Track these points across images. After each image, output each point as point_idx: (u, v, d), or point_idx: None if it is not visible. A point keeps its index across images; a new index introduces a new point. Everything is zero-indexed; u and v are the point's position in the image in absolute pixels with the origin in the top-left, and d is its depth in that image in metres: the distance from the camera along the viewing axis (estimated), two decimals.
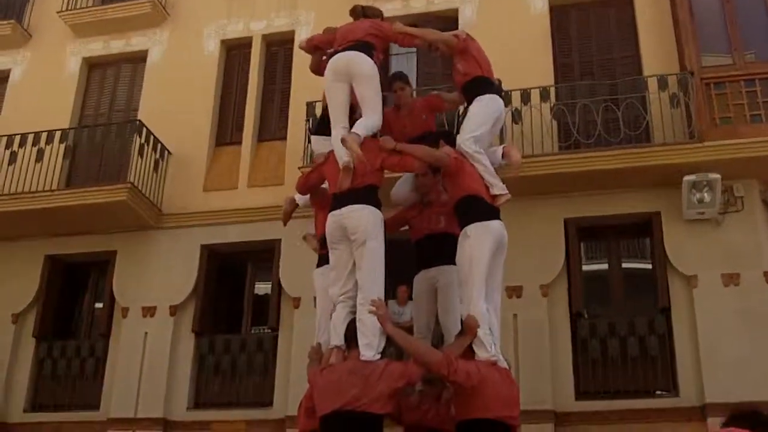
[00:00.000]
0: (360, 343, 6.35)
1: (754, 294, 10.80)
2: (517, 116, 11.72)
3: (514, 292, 11.00)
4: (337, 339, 6.59)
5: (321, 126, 8.16)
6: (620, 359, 11.11)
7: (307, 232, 8.48)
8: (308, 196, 8.10)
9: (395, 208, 8.16)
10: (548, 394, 10.78)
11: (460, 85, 7.77)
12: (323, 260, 7.55)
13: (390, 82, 8.23)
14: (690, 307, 10.96)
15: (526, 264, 10.89)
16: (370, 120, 7.24)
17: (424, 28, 8.50)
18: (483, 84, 7.55)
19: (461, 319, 6.73)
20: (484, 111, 7.38)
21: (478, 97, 7.46)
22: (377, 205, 6.98)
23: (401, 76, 8.17)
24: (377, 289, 6.67)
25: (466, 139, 7.22)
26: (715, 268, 10.97)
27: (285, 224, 8.63)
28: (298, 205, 8.33)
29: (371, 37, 7.55)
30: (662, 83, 11.48)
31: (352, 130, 7.11)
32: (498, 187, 7.15)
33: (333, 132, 7.36)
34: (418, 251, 7.72)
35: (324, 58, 7.96)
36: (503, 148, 7.88)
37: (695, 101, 11.29)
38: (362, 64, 7.34)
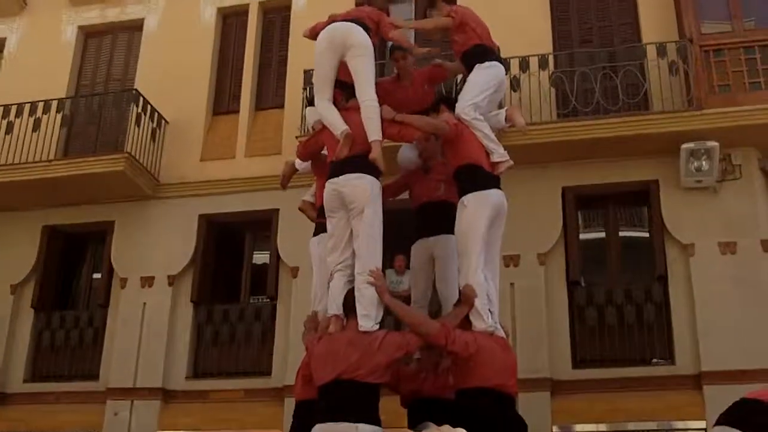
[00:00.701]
0: (358, 313, 6.35)
1: (750, 262, 10.81)
2: (515, 84, 11.66)
3: (511, 260, 11.01)
4: (335, 308, 6.59)
5: None
6: (617, 327, 11.15)
7: (303, 199, 8.38)
8: (309, 162, 8.05)
9: (394, 176, 8.12)
10: (545, 362, 10.83)
11: (459, 56, 7.73)
12: (320, 228, 7.52)
13: (391, 51, 8.17)
14: (687, 276, 10.98)
15: (524, 233, 10.88)
16: (369, 108, 7.13)
17: (420, 21, 8.43)
18: (482, 51, 7.51)
19: (459, 289, 6.74)
20: (483, 78, 7.34)
21: (478, 65, 7.42)
22: (376, 174, 6.94)
23: (401, 46, 8.11)
24: (375, 259, 6.67)
25: (464, 106, 7.18)
26: (713, 236, 10.97)
27: (284, 188, 8.58)
28: (297, 169, 8.28)
29: (370, 21, 7.49)
30: (661, 51, 11.42)
31: (371, 138, 6.95)
32: (498, 154, 7.12)
33: (317, 102, 7.32)
34: (417, 219, 7.71)
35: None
36: (506, 111, 7.83)
37: (694, 69, 11.23)
38: (359, 35, 7.23)
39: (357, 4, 12.57)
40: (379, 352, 6.09)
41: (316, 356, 6.38)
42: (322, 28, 7.73)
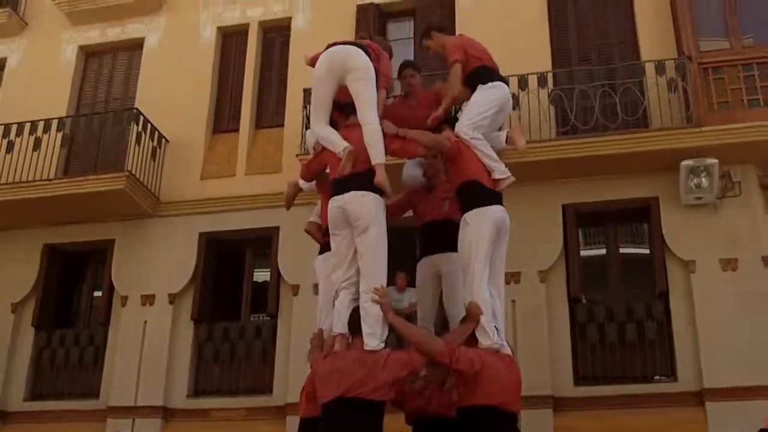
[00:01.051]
0: (364, 332, 6.35)
1: (752, 278, 10.80)
2: (514, 102, 11.65)
3: (512, 277, 10.98)
4: (341, 326, 6.59)
5: None
6: (618, 344, 11.12)
7: (309, 221, 8.33)
8: (314, 182, 8.04)
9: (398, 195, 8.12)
10: (547, 379, 10.81)
11: (463, 81, 7.71)
12: (325, 247, 7.52)
13: (400, 69, 8.16)
14: (688, 292, 10.97)
15: (524, 250, 10.86)
16: (372, 130, 7.06)
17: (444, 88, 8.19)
18: (484, 72, 7.53)
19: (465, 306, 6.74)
20: (484, 98, 7.36)
21: (480, 86, 7.45)
22: (380, 191, 6.95)
23: (412, 64, 8.11)
24: (380, 277, 6.67)
25: (463, 125, 7.22)
26: (713, 252, 10.98)
27: (288, 208, 8.52)
28: (301, 189, 8.26)
29: (371, 49, 7.48)
30: (660, 68, 11.47)
31: (374, 162, 6.92)
32: (499, 171, 7.14)
33: (315, 125, 7.32)
34: (421, 237, 7.72)
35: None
36: (507, 132, 7.85)
37: (693, 86, 11.27)
38: (359, 57, 7.19)
39: (356, 30, 12.65)
40: (384, 370, 6.09)
41: (321, 374, 6.37)
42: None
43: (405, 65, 8.04)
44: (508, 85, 7.96)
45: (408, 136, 7.11)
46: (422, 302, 7.67)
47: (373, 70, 7.19)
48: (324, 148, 7.35)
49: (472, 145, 7.12)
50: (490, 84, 7.43)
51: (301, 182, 8.20)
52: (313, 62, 7.84)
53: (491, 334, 6.45)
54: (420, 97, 7.98)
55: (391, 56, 7.88)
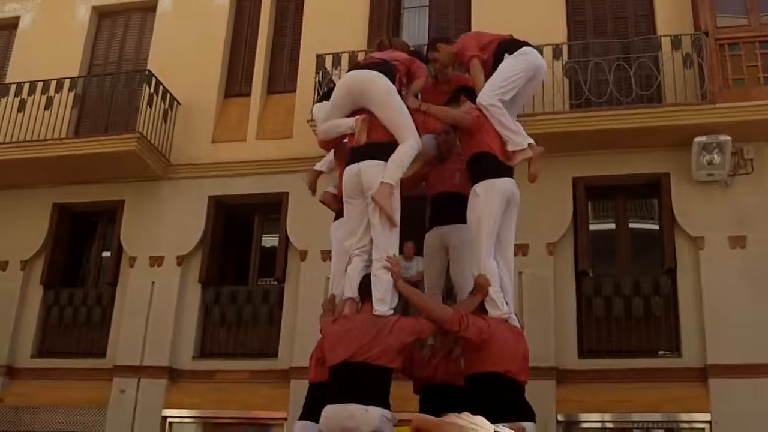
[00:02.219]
0: (374, 298, 6.37)
1: (760, 257, 10.81)
2: None
3: (520, 249, 10.95)
4: (351, 291, 6.60)
5: (327, 96, 8.01)
6: (624, 319, 11.16)
7: (326, 191, 8.25)
8: (332, 160, 7.94)
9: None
10: (551, 351, 10.86)
11: (488, 71, 7.48)
12: (341, 213, 7.49)
13: (428, 49, 7.94)
14: (696, 269, 10.99)
15: (533, 222, 10.85)
16: (405, 151, 6.76)
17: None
18: (510, 44, 7.35)
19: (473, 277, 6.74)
20: (510, 66, 7.15)
21: (506, 55, 7.25)
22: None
23: (431, 44, 7.91)
24: (392, 246, 6.67)
25: (485, 93, 7.04)
26: (723, 230, 10.98)
27: (314, 193, 8.28)
28: (321, 172, 8.15)
29: (401, 64, 7.21)
30: (676, 43, 11.38)
31: (384, 179, 6.63)
32: (513, 143, 6.99)
33: (323, 124, 7.26)
34: (432, 207, 7.69)
35: None
36: (530, 146, 7.31)
37: (708, 62, 11.20)
38: (377, 85, 6.87)
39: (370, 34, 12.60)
40: (390, 336, 6.11)
41: (329, 337, 6.41)
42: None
43: (433, 46, 7.79)
44: (540, 53, 7.75)
45: (429, 111, 7.06)
46: (429, 272, 7.66)
47: (394, 88, 6.91)
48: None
49: (491, 112, 7.00)
50: (517, 52, 7.26)
51: (319, 165, 8.12)
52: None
53: (500, 305, 6.46)
54: (451, 80, 7.79)
55: (408, 52, 7.66)
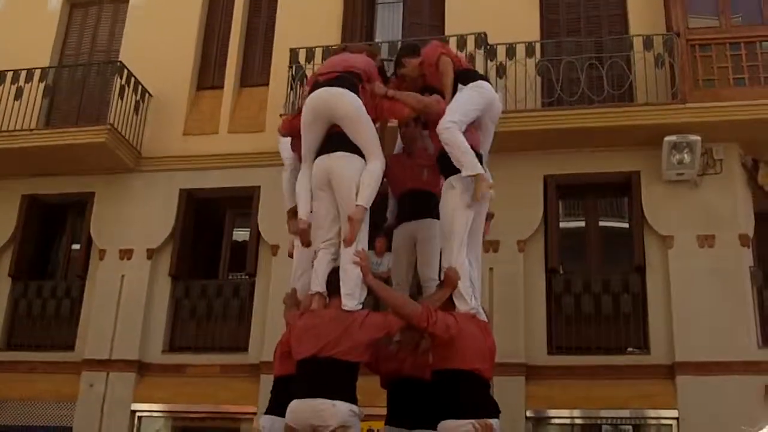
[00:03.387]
0: (342, 293, 6.33)
1: (728, 256, 10.93)
2: (501, 71, 11.70)
3: (490, 246, 11.03)
4: (318, 285, 6.56)
5: None
6: (594, 316, 11.24)
7: (299, 224, 7.28)
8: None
9: None
10: (521, 347, 10.92)
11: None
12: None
13: (395, 66, 7.75)
14: (665, 267, 11.09)
15: (504, 219, 10.77)
16: (375, 171, 6.61)
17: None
18: (464, 73, 7.19)
19: (440, 272, 6.72)
20: (467, 96, 6.98)
21: (461, 85, 7.09)
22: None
23: (403, 51, 7.71)
24: (361, 241, 6.64)
25: (445, 121, 6.84)
26: (692, 229, 11.09)
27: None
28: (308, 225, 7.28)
29: (363, 73, 6.98)
30: (648, 43, 11.47)
31: (359, 202, 6.44)
32: (469, 168, 6.60)
33: (303, 167, 6.98)
34: (400, 204, 7.65)
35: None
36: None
37: (680, 62, 11.31)
38: (345, 103, 6.64)
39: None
40: (360, 331, 6.09)
41: (296, 331, 6.37)
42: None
43: (402, 54, 7.63)
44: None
45: (397, 96, 7.01)
46: (397, 267, 7.62)
47: (363, 107, 6.68)
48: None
49: (443, 138, 6.61)
50: (472, 84, 6.96)
51: (289, 200, 7.53)
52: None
53: (468, 300, 6.46)
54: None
55: (376, 57, 7.53)
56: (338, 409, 5.91)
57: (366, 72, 7.03)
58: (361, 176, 6.57)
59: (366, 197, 6.52)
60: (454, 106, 6.81)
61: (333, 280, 6.43)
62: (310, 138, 6.82)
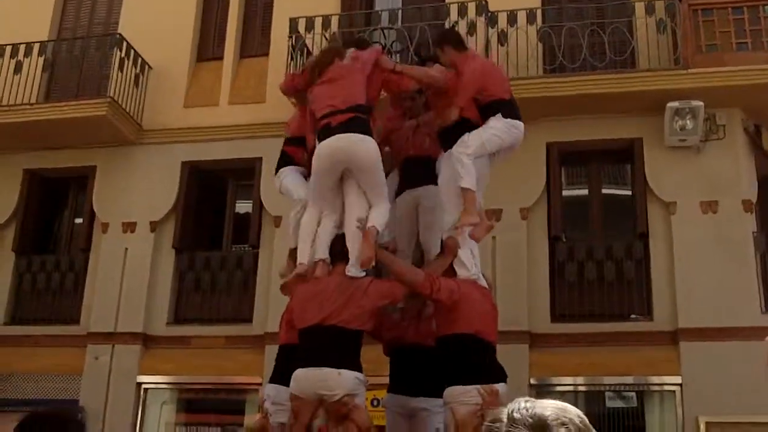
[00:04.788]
0: (350, 259, 6.35)
1: (731, 222, 10.91)
2: (503, 38, 11.62)
3: (493, 214, 10.95)
4: (322, 252, 6.56)
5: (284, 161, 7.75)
6: (597, 283, 11.25)
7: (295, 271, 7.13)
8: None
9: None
10: (524, 315, 10.94)
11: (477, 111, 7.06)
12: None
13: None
14: (668, 234, 11.07)
15: (507, 187, 10.86)
16: (380, 220, 6.55)
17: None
18: (505, 105, 6.95)
19: (442, 240, 6.74)
20: (498, 131, 6.77)
21: (496, 117, 6.84)
22: (370, 127, 6.79)
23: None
24: (365, 210, 6.63)
25: (463, 148, 6.65)
26: (694, 195, 11.06)
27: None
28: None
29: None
30: (649, 8, 11.38)
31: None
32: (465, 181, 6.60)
33: (309, 209, 6.84)
34: (403, 171, 7.64)
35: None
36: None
37: (682, 27, 11.22)
38: (365, 150, 6.51)
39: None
40: (364, 299, 6.11)
41: (299, 299, 6.38)
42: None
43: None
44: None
45: (404, 71, 6.99)
46: (400, 235, 7.59)
47: (380, 157, 6.60)
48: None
49: (458, 164, 6.61)
50: (510, 120, 6.84)
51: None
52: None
53: (469, 266, 6.48)
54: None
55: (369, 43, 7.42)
56: (344, 378, 5.94)
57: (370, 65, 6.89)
58: (369, 215, 6.46)
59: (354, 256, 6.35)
60: (476, 136, 6.69)
61: (336, 246, 6.43)
62: (323, 184, 6.69)
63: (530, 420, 1.87)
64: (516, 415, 1.90)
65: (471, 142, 6.63)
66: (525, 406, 1.92)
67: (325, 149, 6.55)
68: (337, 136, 6.49)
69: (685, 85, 10.97)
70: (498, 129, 6.79)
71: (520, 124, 6.97)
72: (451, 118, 6.83)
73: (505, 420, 1.91)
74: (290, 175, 7.52)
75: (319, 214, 6.70)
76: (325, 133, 6.60)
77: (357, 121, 6.55)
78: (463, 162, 6.55)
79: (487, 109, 6.87)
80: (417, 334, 6.75)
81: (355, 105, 6.63)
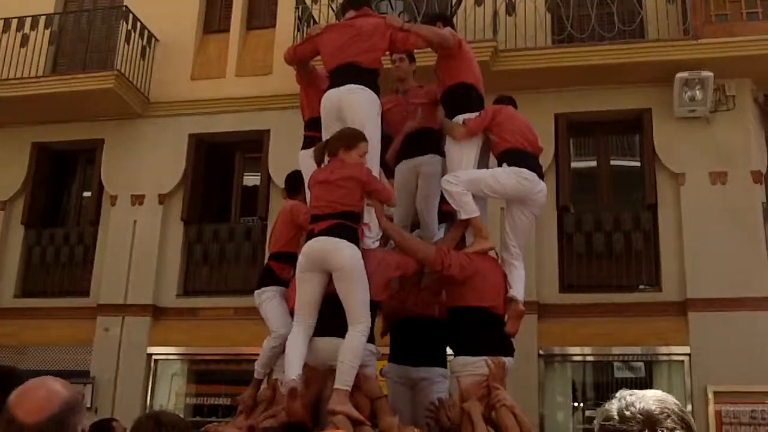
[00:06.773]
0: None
1: (740, 193, 10.89)
2: (511, 8, 11.54)
3: None
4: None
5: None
6: (605, 254, 11.26)
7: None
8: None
9: None
10: (533, 286, 10.87)
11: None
12: (310, 143, 7.24)
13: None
14: (676, 204, 11.07)
15: None
16: (358, 345, 5.70)
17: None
18: (519, 155, 6.70)
19: (447, 212, 6.71)
20: (499, 177, 6.53)
21: (505, 165, 6.62)
22: (375, 89, 6.70)
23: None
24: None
25: (455, 178, 6.46)
26: (704, 166, 11.03)
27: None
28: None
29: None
30: None
31: (337, 385, 5.67)
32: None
33: (296, 327, 6.10)
34: (401, 144, 7.55)
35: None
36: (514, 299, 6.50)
37: None
38: (343, 254, 5.80)
39: None
40: (377, 270, 6.07)
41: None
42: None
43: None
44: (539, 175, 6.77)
45: (412, 29, 6.85)
46: (399, 205, 7.49)
47: (362, 266, 5.84)
48: (320, 32, 6.99)
49: (448, 196, 6.40)
50: (518, 169, 6.54)
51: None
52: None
53: (486, 236, 6.47)
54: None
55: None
56: None
57: (383, 42, 6.69)
58: (340, 351, 5.77)
59: (345, 380, 5.70)
60: (473, 175, 6.50)
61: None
62: (306, 293, 6.02)
63: (640, 416, 2.06)
64: (627, 413, 2.08)
65: (463, 176, 6.48)
66: (630, 401, 2.11)
67: (306, 249, 6.01)
68: (315, 240, 5.93)
69: (695, 56, 10.90)
70: (497, 175, 6.61)
71: (532, 177, 6.65)
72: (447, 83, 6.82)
73: (616, 417, 2.10)
74: (273, 301, 7.15)
75: (305, 329, 6.05)
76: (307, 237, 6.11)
77: (340, 227, 5.94)
78: (451, 193, 6.42)
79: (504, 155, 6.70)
80: (416, 303, 6.67)
81: (346, 210, 6.04)
